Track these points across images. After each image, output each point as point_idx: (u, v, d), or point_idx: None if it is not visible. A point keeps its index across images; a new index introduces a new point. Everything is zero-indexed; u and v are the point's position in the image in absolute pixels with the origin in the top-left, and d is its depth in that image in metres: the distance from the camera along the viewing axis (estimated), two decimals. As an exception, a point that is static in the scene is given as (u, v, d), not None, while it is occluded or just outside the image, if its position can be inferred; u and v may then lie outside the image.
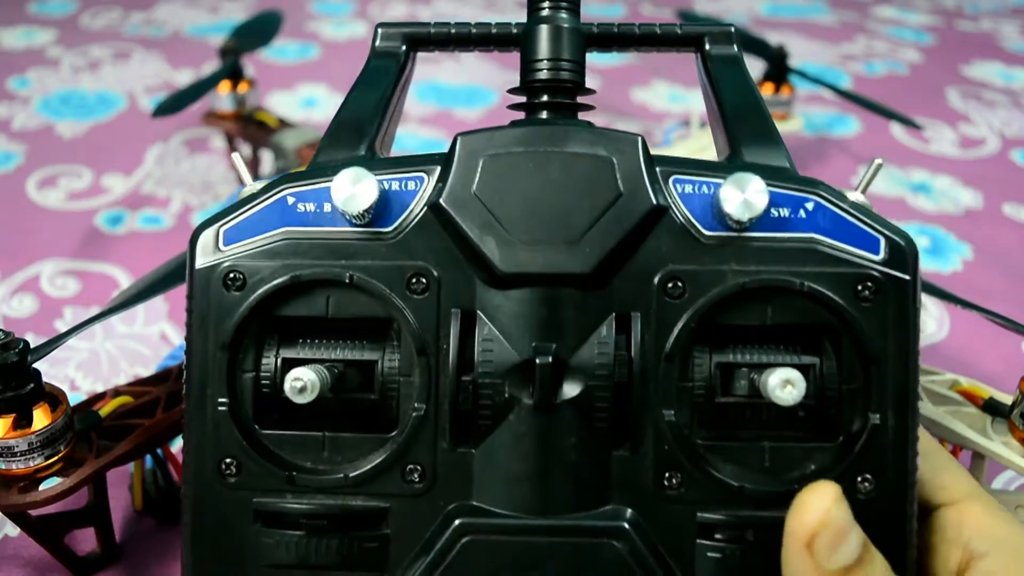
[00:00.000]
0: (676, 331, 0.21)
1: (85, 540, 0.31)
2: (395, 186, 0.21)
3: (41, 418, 0.26)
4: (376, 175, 0.20)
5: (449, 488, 0.21)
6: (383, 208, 0.21)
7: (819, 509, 0.18)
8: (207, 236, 0.21)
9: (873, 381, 0.20)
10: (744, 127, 0.24)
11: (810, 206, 0.21)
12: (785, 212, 0.21)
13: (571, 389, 0.20)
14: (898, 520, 0.20)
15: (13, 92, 0.71)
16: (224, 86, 0.52)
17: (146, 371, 0.40)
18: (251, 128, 0.53)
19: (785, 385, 0.19)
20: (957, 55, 0.86)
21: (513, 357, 0.20)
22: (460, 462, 0.21)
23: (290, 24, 0.79)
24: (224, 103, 0.52)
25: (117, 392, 0.31)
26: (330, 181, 0.20)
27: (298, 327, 0.21)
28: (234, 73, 0.52)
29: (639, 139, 0.21)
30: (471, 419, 0.21)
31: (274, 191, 0.21)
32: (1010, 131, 0.69)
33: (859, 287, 0.20)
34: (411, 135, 0.66)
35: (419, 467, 0.21)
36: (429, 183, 0.21)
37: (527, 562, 0.20)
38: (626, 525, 0.20)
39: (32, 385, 0.26)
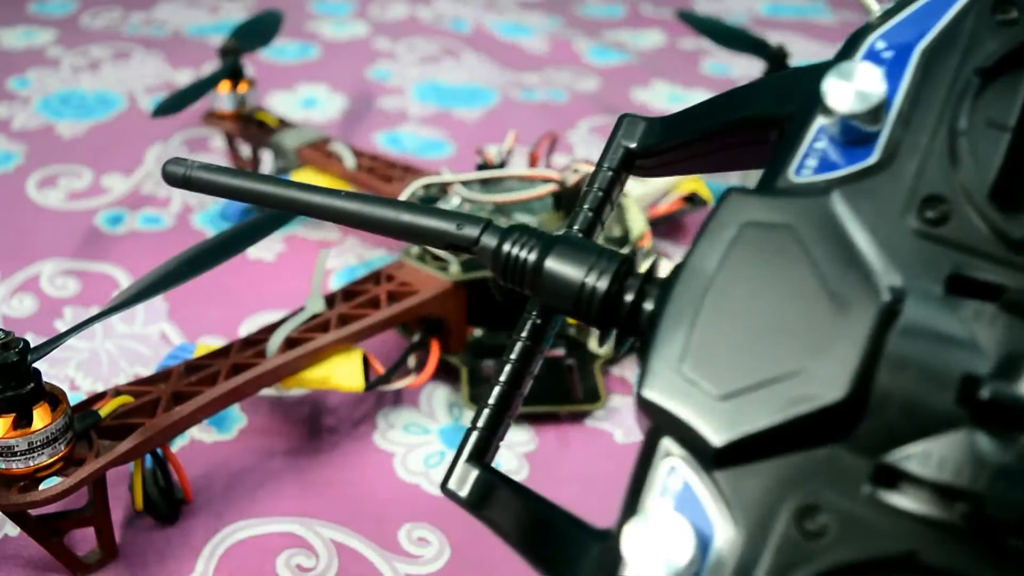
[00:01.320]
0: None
1: (85, 540, 0.31)
2: None
3: (41, 418, 0.26)
4: None
5: None
6: None
7: None
8: None
9: None
10: None
11: (881, 44, 0.19)
12: (889, 54, 0.18)
13: None
14: None
15: (13, 92, 0.71)
16: (224, 86, 0.52)
17: (146, 371, 0.40)
18: (251, 128, 0.53)
19: None
20: (957, 55, 0.86)
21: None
22: None
23: (290, 24, 0.79)
24: (224, 103, 0.52)
25: (117, 392, 0.31)
26: None
27: None
28: (234, 73, 0.52)
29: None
30: None
31: None
32: (1010, 131, 0.69)
33: (996, 14, 0.18)
34: (411, 135, 0.66)
35: None
36: None
37: None
38: None
39: (32, 385, 0.26)
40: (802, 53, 0.85)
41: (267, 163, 0.56)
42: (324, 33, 0.88)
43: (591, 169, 0.42)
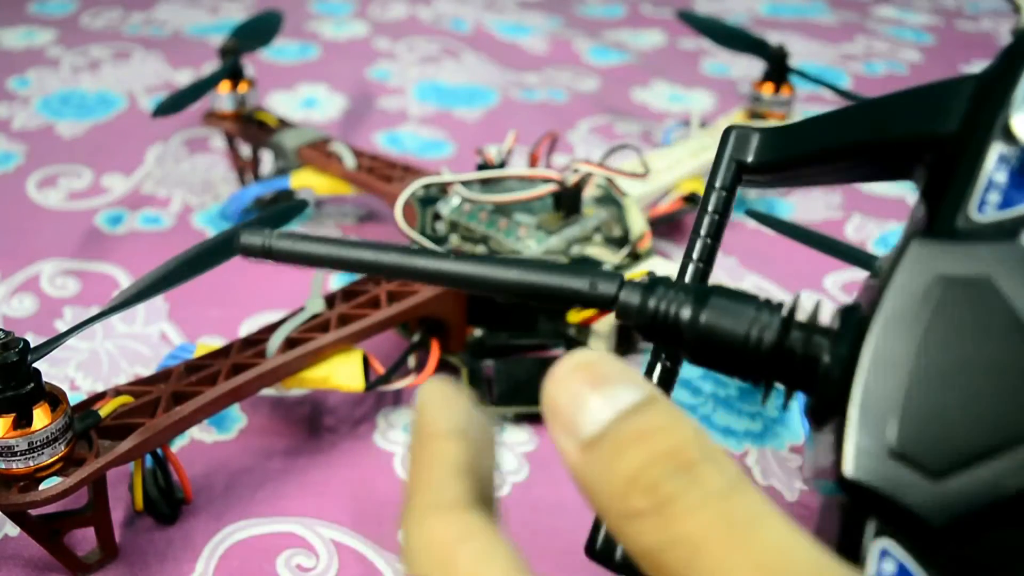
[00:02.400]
0: None
1: (85, 540, 0.31)
2: None
3: (41, 418, 0.26)
4: None
5: None
6: None
7: None
8: None
9: None
10: None
11: None
12: None
13: None
14: None
15: (13, 92, 0.71)
16: (224, 86, 0.52)
17: (146, 371, 0.40)
18: (251, 128, 0.53)
19: None
20: (957, 55, 0.86)
21: None
22: None
23: (290, 24, 0.79)
24: (224, 103, 0.52)
25: (117, 392, 0.31)
26: None
27: None
28: (234, 73, 0.52)
29: None
30: None
31: None
32: (1010, 131, 0.69)
33: None
34: (411, 135, 0.66)
35: None
36: None
37: None
38: None
39: (32, 385, 0.26)
40: (802, 53, 0.85)
41: (267, 163, 0.56)
42: (324, 33, 0.88)
43: (591, 169, 0.42)
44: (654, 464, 0.13)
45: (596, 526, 0.19)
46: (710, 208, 0.21)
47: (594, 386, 0.14)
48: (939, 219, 0.17)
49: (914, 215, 0.18)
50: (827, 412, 0.17)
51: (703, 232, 0.21)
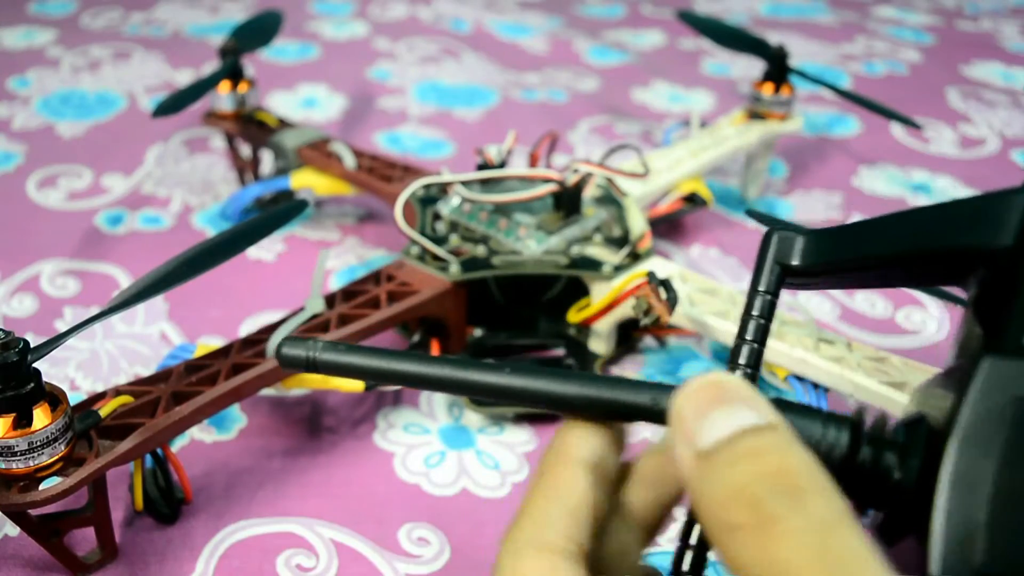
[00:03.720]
0: None
1: (85, 540, 0.31)
2: None
3: (41, 418, 0.26)
4: None
5: None
6: None
7: None
8: None
9: None
10: None
11: None
12: None
13: None
14: None
15: (13, 92, 0.71)
16: (224, 86, 0.52)
17: (146, 371, 0.40)
18: (251, 128, 0.53)
19: None
20: (957, 55, 0.86)
21: None
22: None
23: (290, 24, 0.79)
24: (224, 103, 0.52)
25: (117, 392, 0.31)
26: None
27: None
28: (234, 73, 0.52)
29: None
30: None
31: None
32: (1010, 131, 0.69)
33: None
34: (411, 135, 0.66)
35: None
36: None
37: None
38: None
39: (32, 385, 0.26)
40: (802, 53, 0.85)
41: (267, 163, 0.56)
42: (324, 33, 0.88)
43: (591, 169, 0.42)
44: (760, 480, 0.14)
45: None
46: (755, 312, 0.21)
47: (719, 403, 0.15)
48: (1006, 337, 0.17)
49: (968, 325, 0.18)
50: (902, 529, 0.17)
51: (749, 336, 0.20)
